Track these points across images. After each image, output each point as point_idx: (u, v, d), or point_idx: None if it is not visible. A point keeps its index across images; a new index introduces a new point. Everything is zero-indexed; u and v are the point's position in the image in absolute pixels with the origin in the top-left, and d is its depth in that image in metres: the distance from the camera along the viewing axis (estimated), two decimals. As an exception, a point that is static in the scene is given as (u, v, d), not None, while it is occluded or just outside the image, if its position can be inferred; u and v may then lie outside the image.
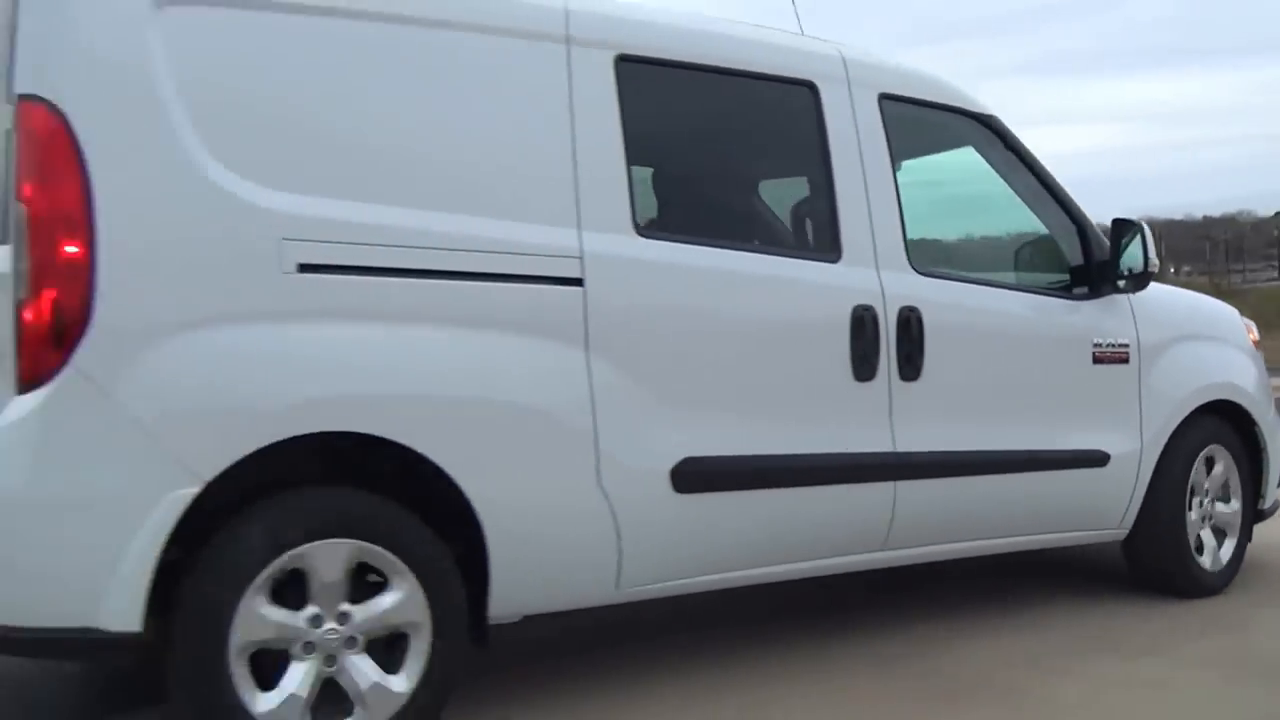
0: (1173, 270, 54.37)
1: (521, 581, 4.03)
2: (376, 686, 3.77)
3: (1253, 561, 6.13)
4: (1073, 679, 4.63)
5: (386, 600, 3.79)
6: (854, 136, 4.86)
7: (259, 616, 3.61)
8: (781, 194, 5.29)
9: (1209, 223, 74.78)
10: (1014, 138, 5.46)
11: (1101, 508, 5.58)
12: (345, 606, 3.74)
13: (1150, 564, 5.83)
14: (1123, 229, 5.52)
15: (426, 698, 3.83)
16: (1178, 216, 73.06)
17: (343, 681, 3.75)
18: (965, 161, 5.49)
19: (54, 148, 3.44)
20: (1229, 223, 75.13)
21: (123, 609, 3.44)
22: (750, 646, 5.02)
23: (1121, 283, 5.53)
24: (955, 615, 5.49)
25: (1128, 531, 5.72)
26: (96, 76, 3.51)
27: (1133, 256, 5.49)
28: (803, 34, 5.10)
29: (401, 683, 3.81)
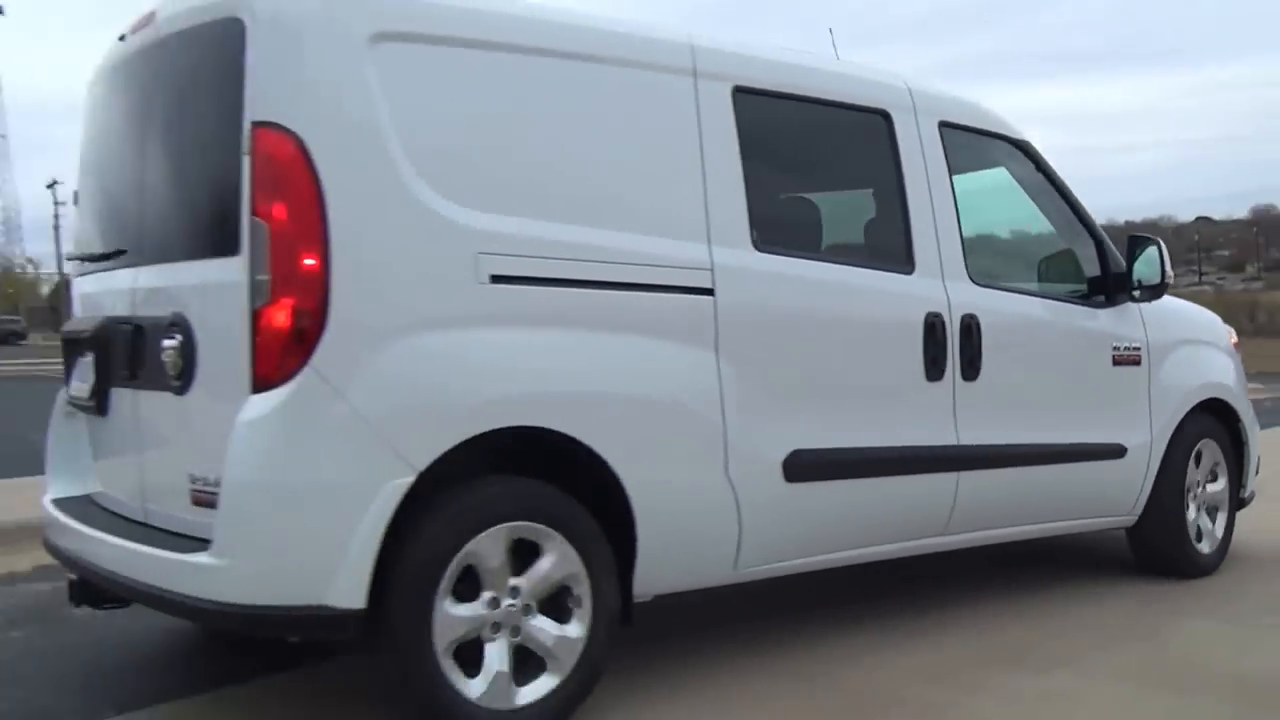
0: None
1: (660, 561, 4.41)
2: (559, 639, 4.16)
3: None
4: (988, 693, 4.66)
5: (545, 564, 4.14)
6: (921, 160, 5.35)
7: (452, 619, 3.94)
8: (858, 210, 5.65)
9: (1130, 228, 76.16)
10: (1043, 160, 6.03)
11: (1118, 496, 6.18)
12: (513, 581, 4.09)
13: (1155, 548, 6.43)
14: (1137, 243, 6.12)
15: (600, 634, 4.23)
16: (1099, 222, 74.34)
17: (531, 645, 4.13)
18: (998, 179, 5.96)
19: (292, 170, 3.76)
20: (1150, 228, 76.53)
21: (350, 588, 3.76)
22: (668, 662, 5.01)
23: (1137, 292, 6.12)
24: (863, 629, 5.51)
25: (1136, 518, 6.29)
26: (324, 105, 3.84)
27: (1147, 268, 6.05)
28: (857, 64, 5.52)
29: (577, 628, 4.20)
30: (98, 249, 4.76)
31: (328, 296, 3.75)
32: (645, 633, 5.33)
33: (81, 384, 4.72)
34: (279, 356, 3.74)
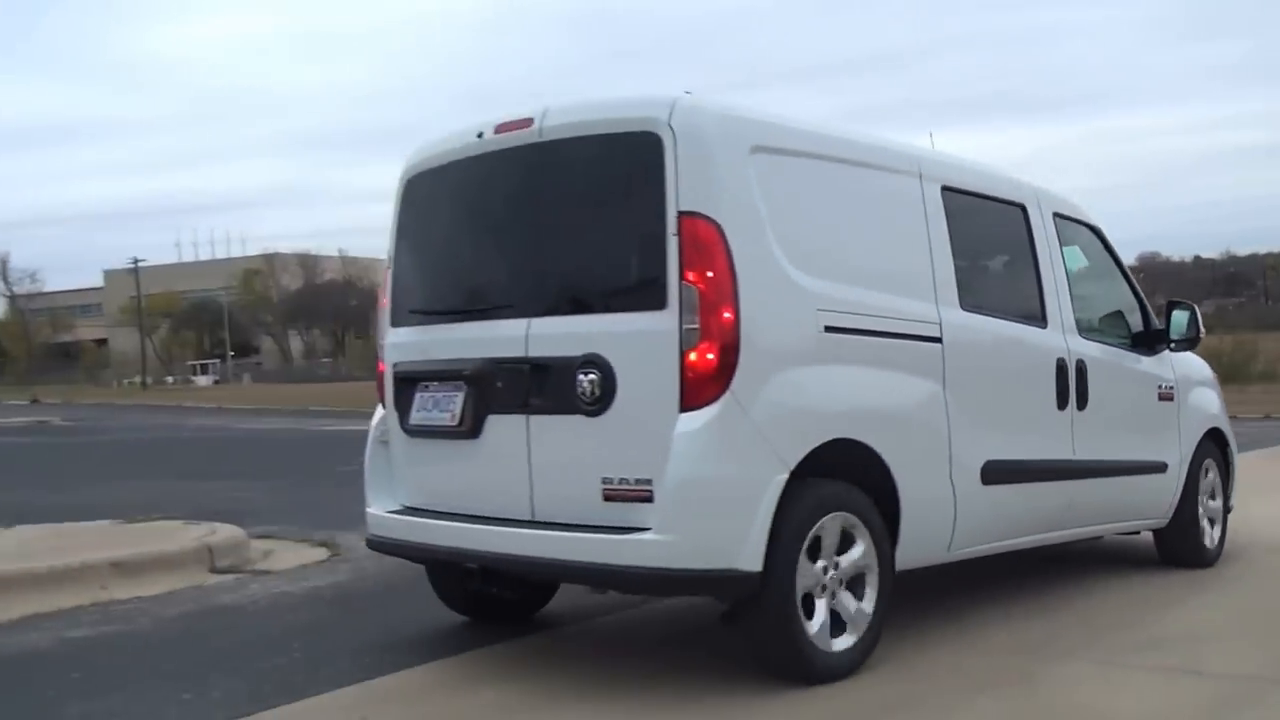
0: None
1: (908, 546, 5.80)
2: (858, 610, 5.54)
3: (1039, 606, 6.93)
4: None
5: (855, 552, 5.55)
6: (1045, 241, 7.05)
7: (807, 574, 5.33)
8: (1011, 277, 7.24)
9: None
10: (1109, 240, 7.84)
11: (1159, 502, 7.89)
12: (836, 559, 5.48)
13: (1178, 545, 8.12)
14: (1174, 306, 7.94)
15: (880, 614, 5.63)
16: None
17: (839, 610, 5.49)
18: (1078, 253, 7.56)
19: (714, 247, 5.10)
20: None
21: (752, 555, 5.11)
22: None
23: (1173, 345, 7.91)
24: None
25: (1168, 521, 7.97)
26: (729, 198, 5.22)
27: (1180, 325, 7.89)
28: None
29: (869, 605, 5.58)
30: (446, 306, 5.98)
31: (738, 341, 5.07)
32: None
33: (441, 413, 5.81)
34: (705, 386, 5.03)
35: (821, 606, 5.43)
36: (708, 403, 5.04)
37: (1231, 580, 7.70)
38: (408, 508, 6.10)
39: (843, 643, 5.49)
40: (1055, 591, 7.35)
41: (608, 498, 5.21)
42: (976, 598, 7.09)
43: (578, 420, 5.29)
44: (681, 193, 5.13)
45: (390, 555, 6.32)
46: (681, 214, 5.11)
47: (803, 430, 5.29)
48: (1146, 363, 7.77)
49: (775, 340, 5.23)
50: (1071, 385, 6.88)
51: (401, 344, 6.21)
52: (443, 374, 5.89)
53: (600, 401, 5.22)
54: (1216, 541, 8.35)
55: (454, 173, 6.05)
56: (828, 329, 5.45)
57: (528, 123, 5.67)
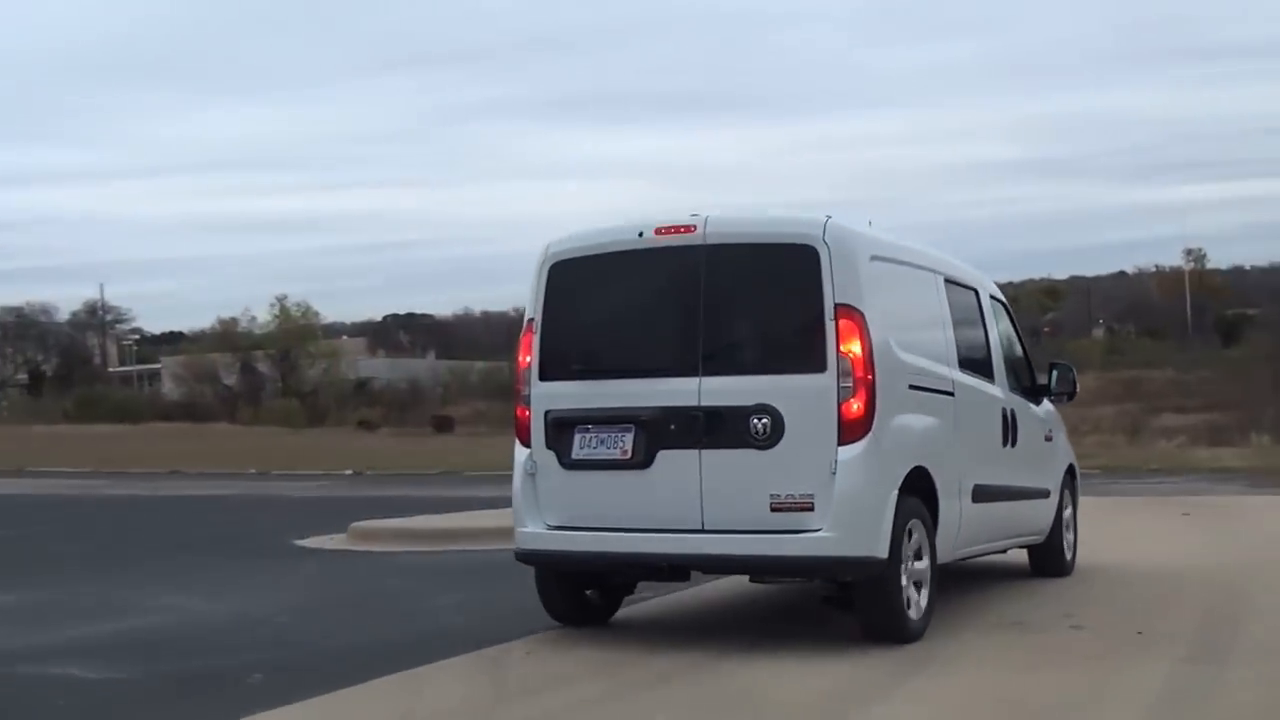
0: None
1: (939, 547, 7.99)
2: (922, 569, 7.74)
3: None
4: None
5: (924, 549, 7.79)
6: (990, 315, 9.61)
7: (906, 556, 7.51)
8: (972, 346, 9.31)
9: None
10: (1012, 311, 10.32)
11: (1046, 520, 10.29)
12: (916, 553, 7.69)
13: (1049, 558, 10.51)
14: (1055, 366, 10.35)
15: (932, 599, 7.92)
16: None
17: (914, 578, 7.70)
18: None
19: (860, 329, 7.28)
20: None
21: (883, 545, 7.28)
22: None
23: (1052, 398, 10.29)
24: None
25: (1045, 538, 10.25)
26: (864, 294, 7.36)
27: (1060, 381, 10.37)
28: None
29: (925, 590, 7.81)
30: (609, 366, 7.80)
31: (875, 396, 7.24)
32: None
33: (610, 449, 7.58)
34: (855, 427, 7.21)
35: (910, 586, 7.59)
36: (858, 439, 7.20)
37: (947, 662, 7.27)
38: (558, 526, 7.77)
39: (921, 602, 7.71)
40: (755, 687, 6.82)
41: (775, 509, 7.23)
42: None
43: (749, 453, 7.28)
44: (836, 289, 7.29)
45: (541, 566, 8.02)
46: (838, 305, 7.26)
47: (904, 459, 7.53)
48: (1036, 410, 10.20)
49: (890, 395, 7.42)
50: (1010, 429, 9.31)
51: (554, 394, 7.88)
52: (608, 419, 7.66)
53: (771, 439, 7.25)
54: (1072, 553, 10.84)
55: (611, 262, 7.88)
56: (910, 387, 7.74)
57: (690, 229, 7.64)
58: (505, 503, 8.37)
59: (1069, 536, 10.76)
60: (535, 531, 7.82)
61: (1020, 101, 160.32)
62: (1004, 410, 9.22)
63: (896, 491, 7.36)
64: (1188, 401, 40.57)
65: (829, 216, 7.46)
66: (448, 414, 51.14)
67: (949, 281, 8.81)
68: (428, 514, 16.05)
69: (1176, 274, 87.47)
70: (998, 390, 9.27)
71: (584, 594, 8.34)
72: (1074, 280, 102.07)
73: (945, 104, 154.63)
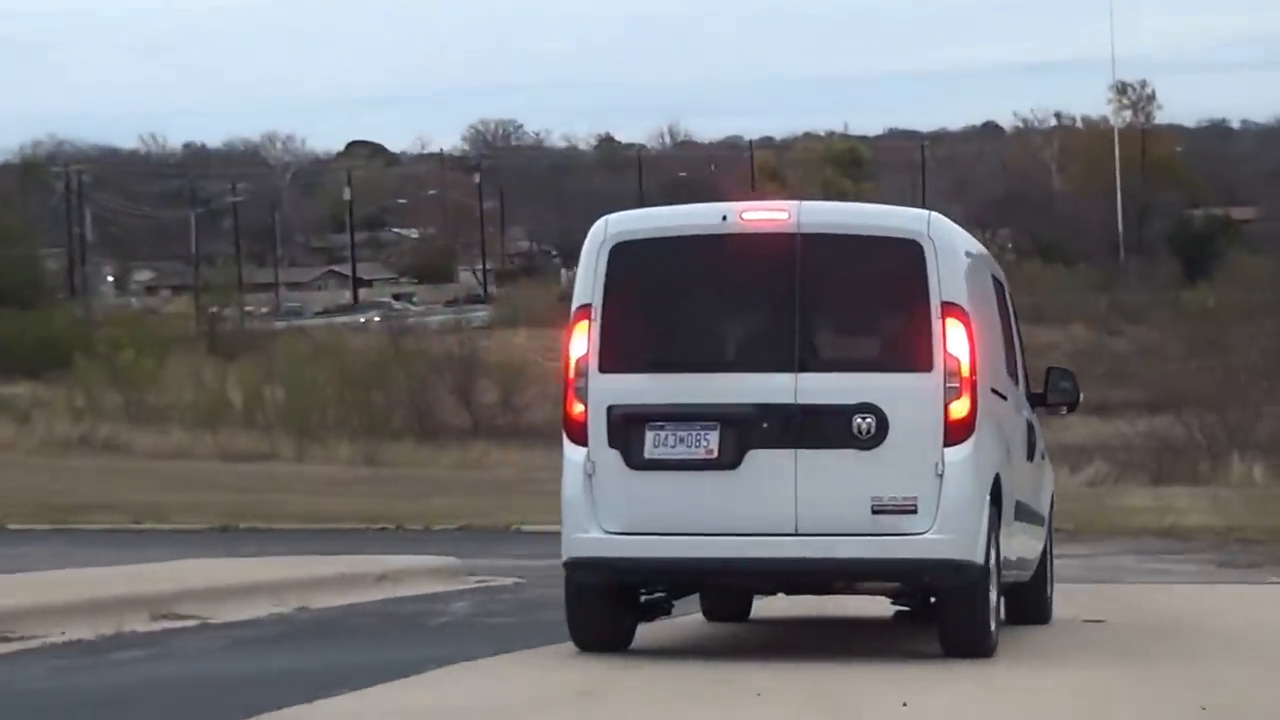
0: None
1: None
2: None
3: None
4: None
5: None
6: (1010, 308, 9.17)
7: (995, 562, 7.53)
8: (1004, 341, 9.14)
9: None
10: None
11: (1036, 554, 9.46)
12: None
13: (1030, 601, 9.63)
14: (1052, 372, 9.75)
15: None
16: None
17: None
18: None
19: (967, 328, 7.17)
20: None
21: (982, 551, 7.17)
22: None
23: (1049, 408, 9.72)
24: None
25: (1030, 574, 9.54)
26: (968, 291, 7.34)
27: (1058, 390, 9.57)
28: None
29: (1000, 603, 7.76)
30: (688, 359, 7.36)
31: (978, 398, 7.07)
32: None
33: (692, 448, 7.16)
34: (961, 428, 7.10)
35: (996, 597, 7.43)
36: (962, 440, 7.08)
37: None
38: (620, 532, 7.22)
39: (994, 625, 7.51)
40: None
41: (876, 511, 7.00)
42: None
43: (850, 453, 7.05)
44: (943, 287, 7.10)
45: (599, 575, 7.33)
46: (944, 303, 7.07)
47: (992, 465, 7.41)
48: (1037, 425, 9.98)
49: (985, 397, 7.26)
50: (1031, 441, 9.07)
51: (619, 388, 7.35)
52: (688, 415, 7.21)
53: (874, 439, 7.02)
54: (1050, 594, 9.87)
55: (687, 246, 7.47)
56: (991, 390, 7.50)
57: (781, 217, 7.33)
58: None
59: (1050, 574, 9.99)
60: (594, 537, 7.25)
61: None
62: (1027, 421, 9.03)
63: (988, 496, 7.22)
64: (1113, 393, 23.65)
65: (931, 211, 7.34)
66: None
67: (993, 276, 8.63)
68: None
69: (1097, 133, 49.67)
70: (1022, 397, 9.06)
71: (620, 614, 7.63)
72: (889, 139, 59.42)
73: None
